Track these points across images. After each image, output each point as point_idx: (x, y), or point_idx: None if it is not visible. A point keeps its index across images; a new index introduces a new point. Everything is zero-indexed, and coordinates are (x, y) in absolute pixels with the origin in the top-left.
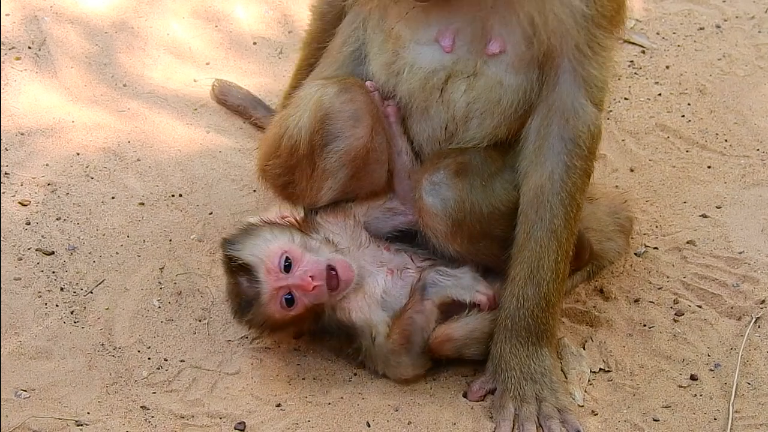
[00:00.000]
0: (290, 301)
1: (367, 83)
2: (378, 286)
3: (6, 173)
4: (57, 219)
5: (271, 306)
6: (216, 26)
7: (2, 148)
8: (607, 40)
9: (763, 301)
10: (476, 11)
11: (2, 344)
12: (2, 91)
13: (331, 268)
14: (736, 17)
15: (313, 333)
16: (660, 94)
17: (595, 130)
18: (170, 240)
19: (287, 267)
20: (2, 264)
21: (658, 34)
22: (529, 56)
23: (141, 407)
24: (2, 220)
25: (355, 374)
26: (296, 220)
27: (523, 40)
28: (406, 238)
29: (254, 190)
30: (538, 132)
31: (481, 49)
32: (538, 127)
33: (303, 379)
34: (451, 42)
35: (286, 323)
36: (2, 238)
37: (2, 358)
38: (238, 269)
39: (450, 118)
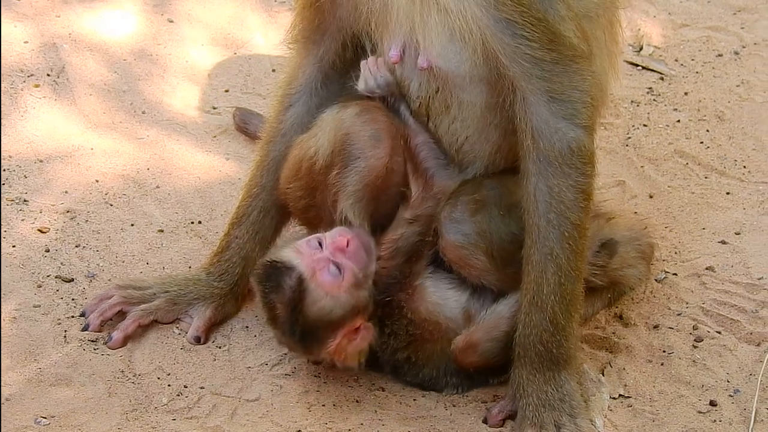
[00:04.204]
0: (337, 268)
1: None
2: None
3: (25, 200)
4: (76, 246)
5: (319, 277)
6: (235, 53)
7: (21, 175)
8: (545, 51)
9: None
10: (407, 24)
11: (22, 372)
12: (21, 118)
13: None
14: (755, 44)
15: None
16: (679, 121)
17: (571, 145)
18: (190, 267)
19: (319, 244)
20: (22, 291)
21: (676, 60)
22: (467, 73)
23: None
24: (21, 247)
25: (376, 400)
26: None
27: (452, 56)
28: None
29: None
30: (520, 155)
31: (416, 63)
32: (520, 151)
33: (323, 405)
34: (398, 53)
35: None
36: (21, 266)
37: (22, 386)
38: (277, 272)
39: (446, 143)
